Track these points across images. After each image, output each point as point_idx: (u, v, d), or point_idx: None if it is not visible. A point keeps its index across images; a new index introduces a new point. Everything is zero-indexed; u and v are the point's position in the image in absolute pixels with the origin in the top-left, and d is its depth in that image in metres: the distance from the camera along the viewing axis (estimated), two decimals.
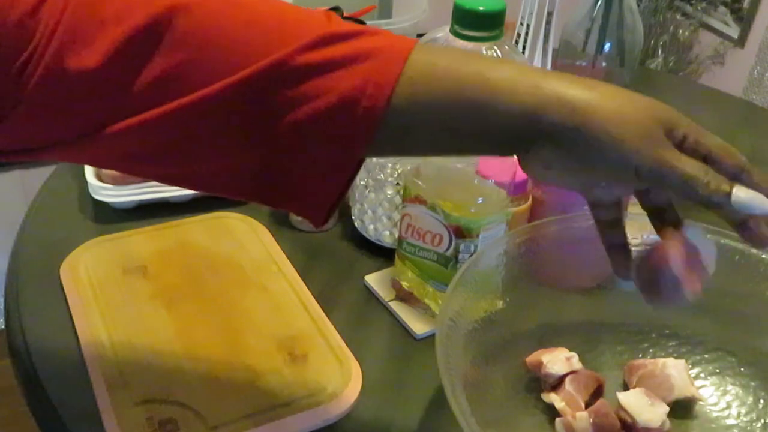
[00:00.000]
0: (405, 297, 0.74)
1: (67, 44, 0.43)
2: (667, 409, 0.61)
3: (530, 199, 0.75)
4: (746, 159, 0.49)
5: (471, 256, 0.66)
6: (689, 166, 0.45)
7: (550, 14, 0.88)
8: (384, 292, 0.75)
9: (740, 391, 0.65)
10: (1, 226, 0.72)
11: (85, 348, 0.65)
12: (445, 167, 0.65)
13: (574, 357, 0.63)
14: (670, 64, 2.23)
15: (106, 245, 0.77)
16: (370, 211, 0.80)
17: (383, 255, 0.80)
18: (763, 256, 0.65)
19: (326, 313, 0.71)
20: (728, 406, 0.64)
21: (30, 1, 0.42)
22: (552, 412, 0.62)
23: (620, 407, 0.61)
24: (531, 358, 0.64)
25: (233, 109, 0.44)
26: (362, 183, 0.79)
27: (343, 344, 0.68)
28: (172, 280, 0.73)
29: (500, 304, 0.64)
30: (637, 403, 0.61)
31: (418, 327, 0.71)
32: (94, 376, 0.62)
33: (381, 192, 0.77)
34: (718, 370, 0.67)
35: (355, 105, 0.44)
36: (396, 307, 0.73)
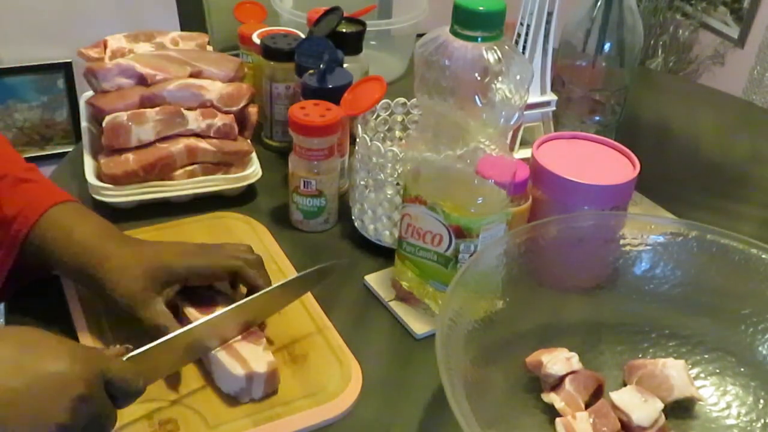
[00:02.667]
0: (405, 297, 0.74)
1: None
2: (661, 405, 0.61)
3: (530, 199, 0.75)
4: None
5: (471, 256, 0.66)
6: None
7: (550, 14, 0.88)
8: (384, 292, 0.75)
9: (740, 391, 0.65)
10: None
11: None
12: (445, 167, 0.65)
13: (574, 357, 0.63)
14: (670, 64, 2.23)
15: None
16: (370, 211, 0.80)
17: (383, 255, 0.80)
18: (763, 256, 0.65)
19: (326, 313, 0.71)
20: (728, 406, 0.64)
21: None
22: (552, 412, 0.62)
23: (614, 406, 0.61)
24: (531, 358, 0.64)
25: None
26: (362, 183, 0.79)
27: (343, 344, 0.68)
28: None
29: (500, 304, 0.64)
30: (631, 401, 0.61)
31: (418, 327, 0.71)
32: None
33: (381, 192, 0.77)
34: (718, 370, 0.67)
35: (10, 225, 0.66)
36: (396, 307, 0.73)
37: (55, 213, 0.66)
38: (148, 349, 0.57)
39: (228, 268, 0.66)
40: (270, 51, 0.93)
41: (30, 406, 0.48)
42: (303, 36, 0.96)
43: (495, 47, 0.60)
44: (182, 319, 0.65)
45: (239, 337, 0.64)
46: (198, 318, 0.63)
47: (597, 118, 0.98)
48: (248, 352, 0.62)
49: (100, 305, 0.68)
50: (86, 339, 0.66)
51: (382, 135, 0.86)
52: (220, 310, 0.63)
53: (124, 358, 0.55)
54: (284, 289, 0.66)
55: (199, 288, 0.67)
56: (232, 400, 0.61)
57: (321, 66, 0.86)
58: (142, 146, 0.83)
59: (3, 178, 0.67)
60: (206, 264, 0.66)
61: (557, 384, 0.63)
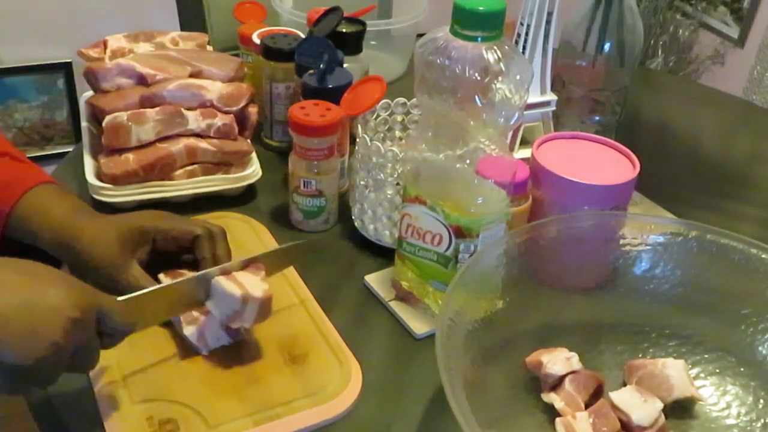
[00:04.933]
0: (405, 297, 0.74)
1: None
2: (661, 405, 0.61)
3: (530, 199, 0.75)
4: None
5: (471, 256, 0.66)
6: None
7: (550, 14, 0.88)
8: (384, 292, 0.75)
9: (740, 391, 0.65)
10: None
11: None
12: (445, 167, 0.65)
13: (574, 357, 0.63)
14: (670, 64, 2.23)
15: None
16: (370, 211, 0.80)
17: (383, 255, 0.80)
18: (763, 256, 0.65)
19: (326, 313, 0.71)
20: (728, 406, 0.64)
21: None
22: (552, 412, 0.62)
23: (614, 406, 0.61)
24: (531, 358, 0.64)
25: None
26: (362, 183, 0.79)
27: (343, 344, 0.68)
28: None
29: (500, 304, 0.64)
30: (631, 401, 0.61)
31: (418, 327, 0.71)
32: (95, 375, 0.62)
33: (381, 192, 0.77)
34: (718, 370, 0.67)
35: None
36: (396, 307, 0.73)
37: (37, 192, 0.70)
38: (139, 295, 0.60)
39: (189, 232, 0.69)
40: (270, 51, 0.93)
41: (25, 321, 0.50)
42: (303, 36, 0.96)
43: (495, 47, 0.60)
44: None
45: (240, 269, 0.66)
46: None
47: (597, 118, 0.98)
48: (246, 280, 0.64)
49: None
50: None
51: (382, 135, 0.86)
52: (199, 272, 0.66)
53: (118, 299, 0.58)
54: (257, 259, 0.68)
55: (173, 264, 0.71)
56: (232, 399, 0.62)
57: (321, 66, 0.86)
58: (142, 146, 0.83)
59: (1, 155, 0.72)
60: (171, 226, 0.69)
61: (557, 384, 0.63)
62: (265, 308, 0.63)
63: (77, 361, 0.54)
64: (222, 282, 0.63)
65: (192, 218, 0.73)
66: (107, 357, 0.64)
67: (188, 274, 0.66)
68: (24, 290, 0.51)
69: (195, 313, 0.66)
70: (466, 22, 0.60)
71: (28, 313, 0.50)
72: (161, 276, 0.69)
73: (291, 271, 0.76)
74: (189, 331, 0.65)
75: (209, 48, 0.99)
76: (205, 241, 0.69)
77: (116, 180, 0.81)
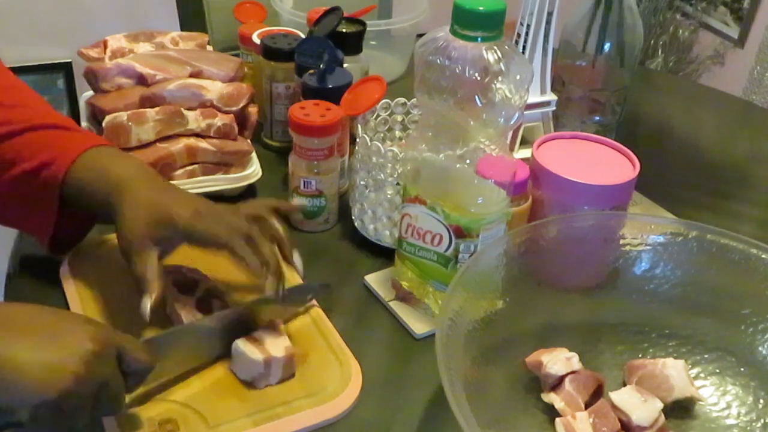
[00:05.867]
0: (405, 297, 0.74)
1: None
2: (660, 405, 0.61)
3: (530, 199, 0.75)
4: None
5: (471, 256, 0.66)
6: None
7: (550, 14, 0.88)
8: (384, 292, 0.75)
9: (740, 391, 0.65)
10: (2, 227, 0.73)
11: None
12: (445, 167, 0.65)
13: (574, 357, 0.63)
14: (670, 64, 2.23)
15: (107, 245, 0.77)
16: (370, 211, 0.80)
17: (383, 255, 0.80)
18: (763, 256, 0.65)
19: (326, 313, 0.71)
20: (728, 406, 0.64)
21: None
22: (552, 412, 0.62)
23: (614, 406, 0.61)
24: (531, 358, 0.64)
25: None
26: (362, 183, 0.79)
27: (343, 344, 0.68)
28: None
29: (500, 304, 0.64)
30: (631, 401, 0.61)
31: (418, 327, 0.71)
32: None
33: (381, 192, 0.77)
34: (718, 370, 0.67)
35: (43, 171, 0.67)
36: (396, 307, 0.73)
37: (92, 154, 0.68)
38: (160, 336, 0.60)
39: (214, 237, 0.65)
40: (270, 51, 0.93)
41: (47, 354, 0.50)
42: (303, 36, 0.96)
43: (495, 47, 0.60)
44: (170, 313, 0.68)
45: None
46: (189, 313, 0.66)
47: (597, 118, 0.98)
48: (265, 338, 0.64)
49: (99, 305, 0.69)
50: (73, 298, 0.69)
51: (382, 135, 0.86)
52: (222, 312, 0.65)
53: (140, 340, 0.58)
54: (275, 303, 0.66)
55: (190, 287, 0.69)
56: (232, 399, 0.61)
57: (321, 66, 0.86)
58: (142, 146, 0.83)
59: (37, 128, 0.69)
60: (204, 229, 0.65)
61: (557, 384, 0.63)
62: (289, 365, 0.63)
63: (102, 399, 0.53)
64: (243, 346, 0.62)
65: (238, 207, 0.70)
66: None
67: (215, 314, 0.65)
68: (46, 326, 0.52)
69: (198, 314, 0.66)
70: (466, 22, 0.60)
71: (49, 346, 0.51)
72: (177, 306, 0.66)
73: (291, 271, 0.76)
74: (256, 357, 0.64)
75: (209, 48, 0.99)
76: (236, 252, 0.64)
77: None
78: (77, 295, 0.70)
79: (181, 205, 0.66)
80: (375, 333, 0.71)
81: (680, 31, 2.22)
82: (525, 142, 0.95)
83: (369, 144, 0.75)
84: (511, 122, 0.63)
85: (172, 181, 0.84)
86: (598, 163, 0.77)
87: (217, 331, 0.64)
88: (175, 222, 0.64)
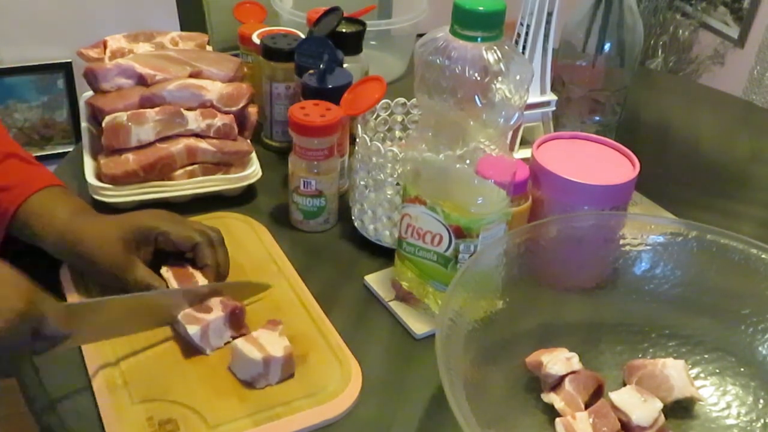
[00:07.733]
0: (405, 297, 0.74)
1: None
2: (660, 405, 0.61)
3: (530, 199, 0.75)
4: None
5: (471, 256, 0.66)
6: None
7: (550, 14, 0.88)
8: (384, 292, 0.75)
9: (740, 391, 0.65)
10: None
11: (85, 348, 0.65)
12: (445, 167, 0.65)
13: (574, 357, 0.63)
14: (670, 64, 2.23)
15: None
16: (370, 212, 0.80)
17: (383, 255, 0.80)
18: (763, 256, 0.65)
19: (326, 313, 0.71)
20: (728, 406, 0.64)
21: None
22: (552, 412, 0.62)
23: (614, 406, 0.61)
24: (531, 358, 0.64)
25: None
26: (362, 183, 0.79)
27: (343, 344, 0.68)
28: None
29: (500, 304, 0.64)
30: (631, 401, 0.61)
31: (418, 327, 0.71)
32: (94, 375, 0.62)
33: (381, 192, 0.77)
34: (718, 370, 0.67)
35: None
36: (396, 307, 0.73)
37: (41, 195, 0.71)
38: (86, 303, 0.62)
39: (189, 238, 0.70)
40: (270, 51, 0.93)
41: None
42: (303, 36, 0.96)
43: (495, 47, 0.60)
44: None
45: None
46: (172, 279, 0.69)
47: (597, 118, 0.98)
48: (265, 338, 0.64)
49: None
50: (74, 299, 0.69)
51: (382, 135, 0.86)
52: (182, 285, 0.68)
53: (63, 304, 0.60)
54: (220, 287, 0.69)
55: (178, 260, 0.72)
56: (232, 399, 0.62)
57: (321, 66, 0.86)
58: (142, 146, 0.83)
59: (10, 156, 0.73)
60: (171, 229, 0.70)
61: (557, 384, 0.63)
62: (288, 365, 0.63)
63: (3, 359, 0.56)
64: (241, 345, 0.63)
65: (189, 220, 0.74)
66: (107, 356, 0.64)
67: (190, 273, 0.68)
68: None
69: (198, 314, 0.66)
70: (466, 22, 0.60)
71: None
72: (163, 270, 0.70)
73: (291, 271, 0.76)
74: (193, 330, 0.65)
75: (209, 48, 0.99)
76: (206, 249, 0.71)
77: (116, 180, 0.81)
78: (77, 295, 0.70)
79: (141, 216, 0.71)
80: (375, 333, 0.71)
81: (680, 31, 2.21)
82: (525, 142, 0.95)
83: (369, 144, 0.75)
84: (511, 122, 0.63)
85: (172, 181, 0.84)
86: (598, 163, 0.77)
87: (151, 307, 0.66)
88: (145, 226, 0.69)
